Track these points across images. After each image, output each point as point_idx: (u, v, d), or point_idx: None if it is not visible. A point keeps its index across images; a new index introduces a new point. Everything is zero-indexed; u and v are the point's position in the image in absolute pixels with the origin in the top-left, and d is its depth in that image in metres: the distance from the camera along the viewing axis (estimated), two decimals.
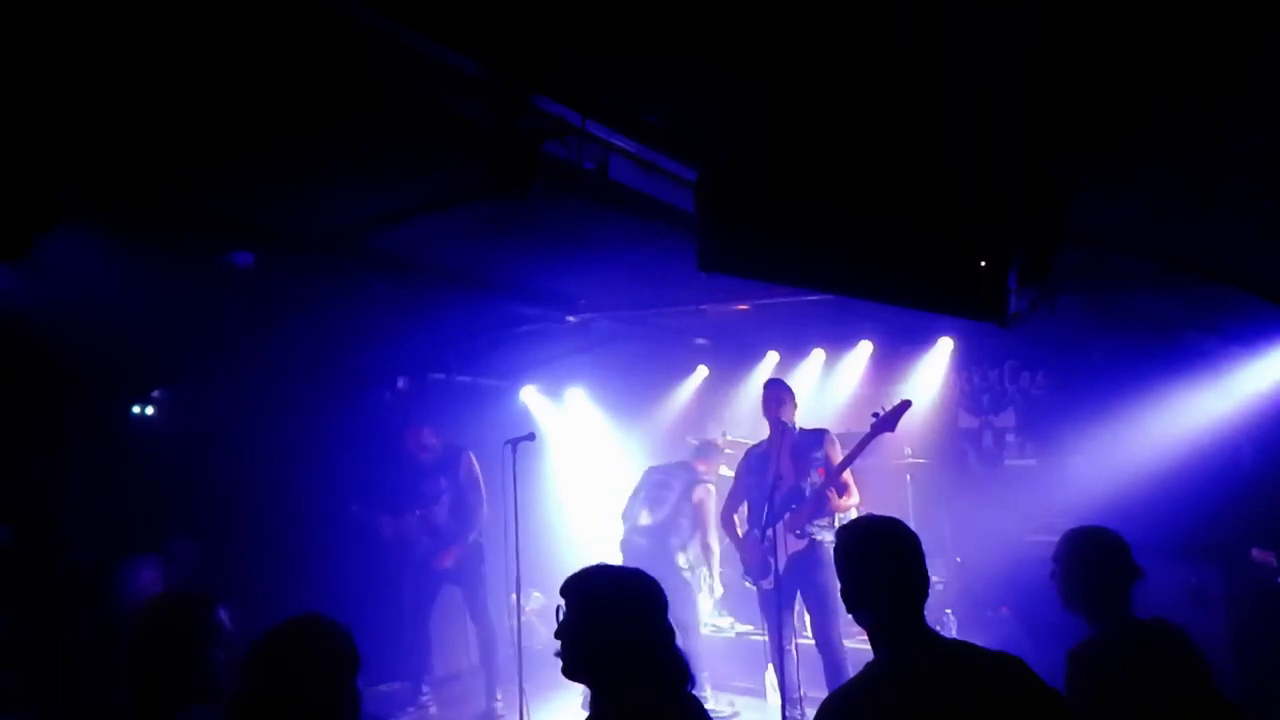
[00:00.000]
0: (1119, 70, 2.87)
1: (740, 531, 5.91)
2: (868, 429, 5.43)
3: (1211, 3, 2.49)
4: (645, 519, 6.51)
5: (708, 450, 6.85)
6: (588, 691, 2.15)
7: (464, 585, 6.63)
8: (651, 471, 6.78)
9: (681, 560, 6.44)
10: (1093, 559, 2.80)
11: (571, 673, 2.11)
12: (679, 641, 5.89)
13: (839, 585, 2.44)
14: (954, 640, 2.37)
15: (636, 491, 6.69)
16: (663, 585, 6.50)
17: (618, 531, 6.71)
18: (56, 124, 2.99)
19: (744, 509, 5.97)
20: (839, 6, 2.66)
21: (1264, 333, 5.62)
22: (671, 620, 6.53)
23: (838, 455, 5.58)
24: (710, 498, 6.46)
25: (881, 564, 2.35)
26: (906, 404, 5.41)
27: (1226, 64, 2.77)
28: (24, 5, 2.48)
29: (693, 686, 2.14)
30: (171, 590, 2.76)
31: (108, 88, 2.94)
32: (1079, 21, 2.65)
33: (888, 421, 5.36)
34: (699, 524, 6.39)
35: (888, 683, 2.23)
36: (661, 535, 6.40)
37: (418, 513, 6.63)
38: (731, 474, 6.37)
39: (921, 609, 2.33)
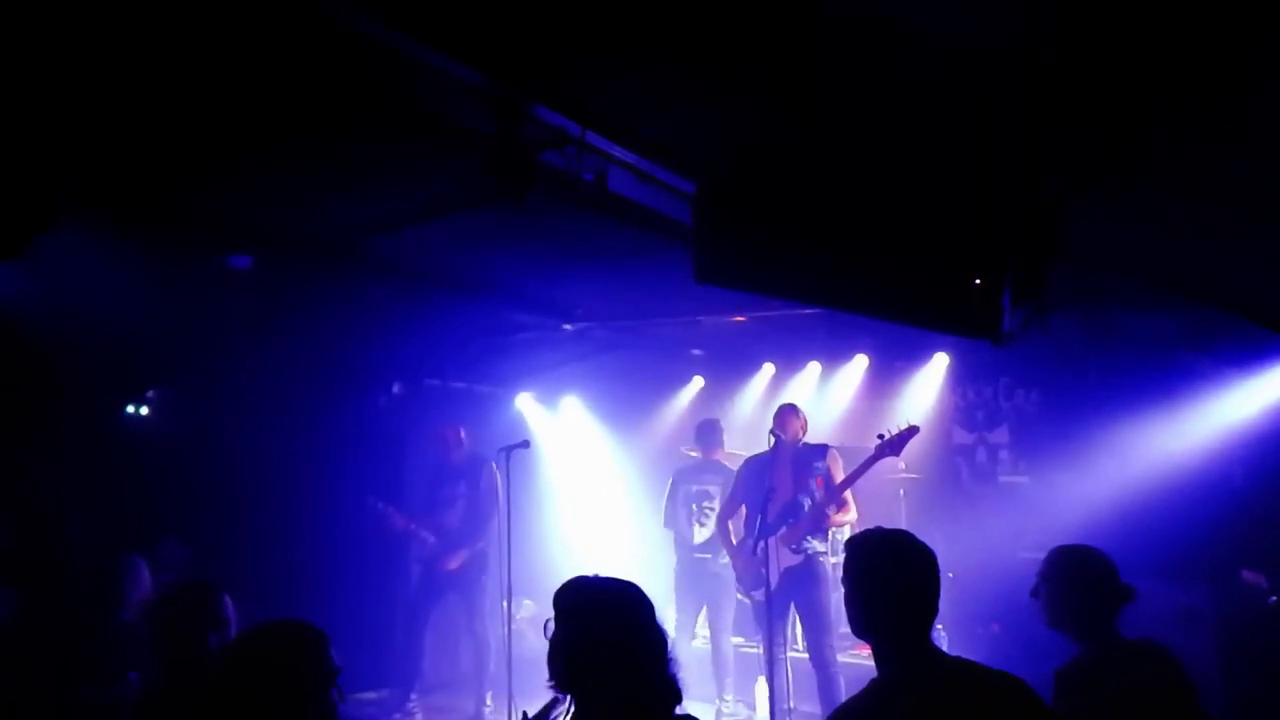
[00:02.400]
0: (1115, 90, 2.89)
1: (735, 540, 5.90)
2: (871, 449, 5.40)
3: (1209, 13, 2.51)
4: (702, 534, 6.46)
5: (713, 433, 6.75)
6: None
7: (463, 591, 6.67)
8: (680, 482, 6.70)
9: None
10: (1080, 578, 2.79)
11: (561, 685, 2.09)
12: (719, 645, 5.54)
13: (835, 600, 2.41)
14: (958, 659, 2.32)
15: (674, 509, 6.63)
16: (721, 587, 6.30)
17: (669, 558, 6.68)
18: (56, 124, 3.00)
19: (742, 513, 5.96)
20: (838, 23, 2.68)
21: (1256, 355, 5.65)
22: (713, 620, 6.40)
23: (839, 470, 5.56)
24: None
25: (894, 580, 2.28)
26: (914, 430, 5.38)
27: (1220, 82, 2.79)
28: (25, 6, 2.49)
29: (679, 703, 2.10)
30: (183, 580, 3.03)
31: (108, 89, 2.95)
32: (1078, 36, 2.67)
33: (894, 446, 5.33)
34: None
35: (894, 700, 2.20)
36: (718, 543, 6.38)
37: (428, 520, 6.68)
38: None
39: (930, 626, 2.27)
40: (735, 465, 6.41)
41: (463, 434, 6.83)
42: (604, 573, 2.23)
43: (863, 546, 2.39)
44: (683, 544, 6.58)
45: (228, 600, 2.66)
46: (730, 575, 6.35)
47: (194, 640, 2.55)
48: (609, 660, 2.02)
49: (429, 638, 6.70)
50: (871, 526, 2.55)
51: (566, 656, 2.05)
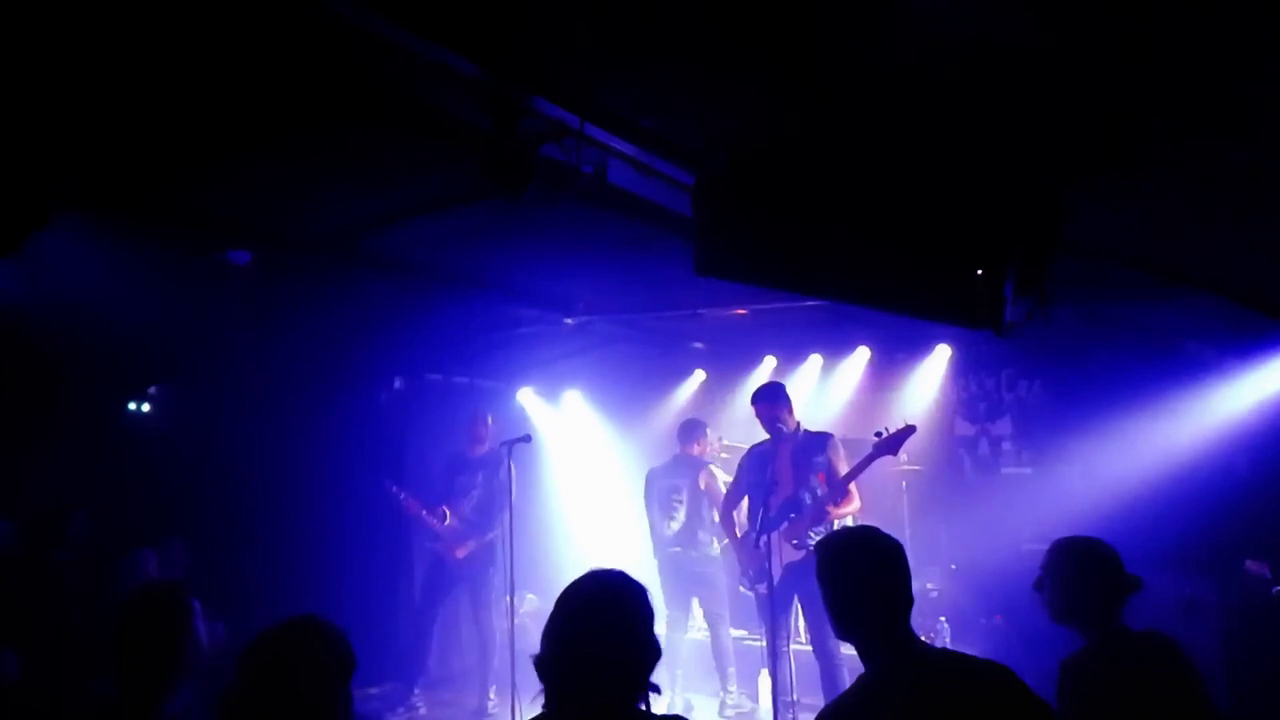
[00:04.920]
0: (1117, 86, 2.87)
1: (739, 532, 5.88)
2: (870, 446, 5.35)
3: (1209, 19, 2.50)
4: (673, 528, 6.50)
5: (692, 431, 6.79)
6: None
7: (471, 583, 6.69)
8: (653, 480, 6.76)
9: (715, 548, 6.45)
10: (1084, 571, 2.77)
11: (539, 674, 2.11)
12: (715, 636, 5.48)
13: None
14: (942, 650, 2.36)
15: (649, 506, 6.69)
16: (704, 579, 6.28)
17: (648, 550, 6.69)
18: (53, 122, 2.99)
19: (744, 506, 5.94)
20: (841, 15, 2.66)
21: (1259, 344, 5.63)
22: (707, 611, 6.38)
23: (840, 462, 5.50)
24: (715, 477, 6.52)
25: (866, 577, 2.31)
26: (911, 429, 5.34)
27: (1220, 80, 2.78)
28: (23, 4, 2.48)
29: (644, 700, 2.09)
30: (149, 582, 2.89)
31: (105, 87, 2.94)
32: (1080, 30, 2.65)
33: (890, 445, 5.30)
34: (716, 504, 6.40)
35: (879, 696, 2.22)
36: (691, 534, 6.45)
37: (444, 507, 6.70)
38: (727, 477, 6.36)
39: (908, 618, 2.30)
40: (712, 459, 6.47)
41: (490, 420, 6.89)
42: (604, 566, 2.22)
43: (831, 550, 2.42)
44: (657, 538, 6.62)
45: (197, 605, 2.52)
46: (713, 570, 6.41)
47: (156, 647, 2.43)
48: (553, 656, 2.04)
49: (436, 632, 6.72)
50: (873, 519, 2.55)
51: (543, 645, 2.08)
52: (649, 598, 2.14)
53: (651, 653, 2.06)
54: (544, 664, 2.04)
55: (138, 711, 2.40)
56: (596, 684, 2.01)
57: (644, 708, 2.06)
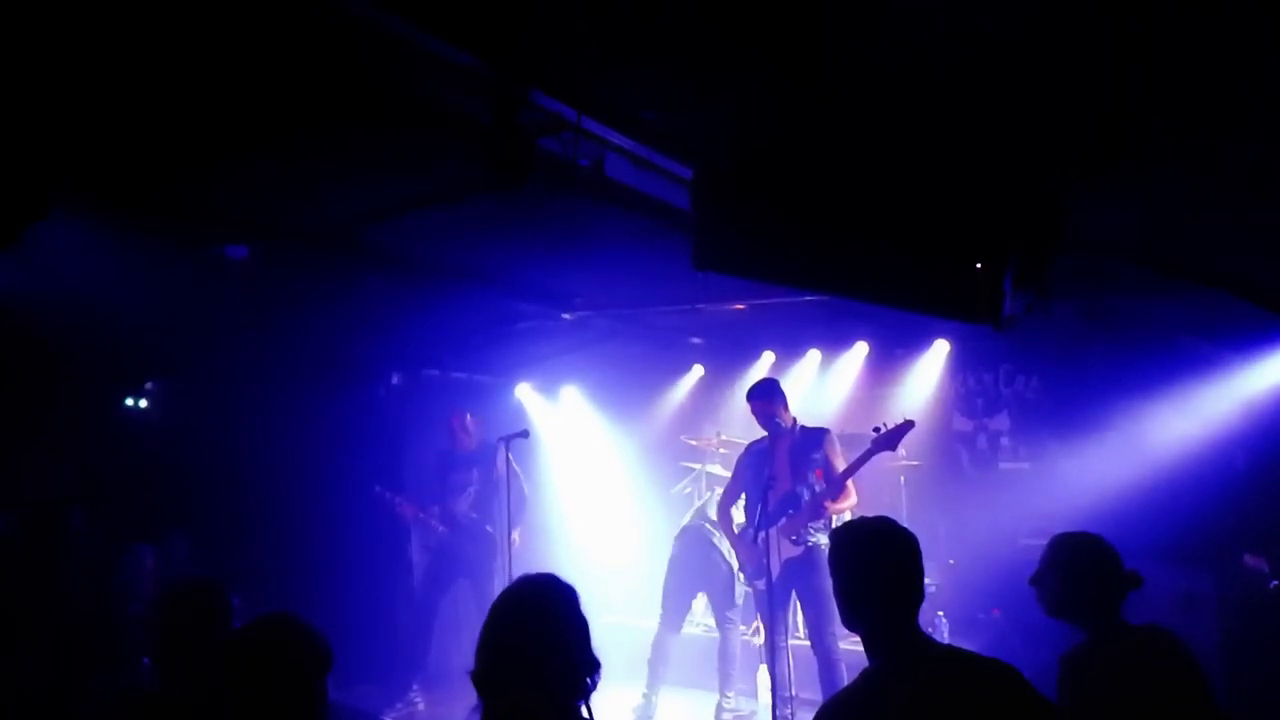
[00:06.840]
0: (1117, 85, 2.87)
1: (736, 528, 5.88)
2: (869, 441, 5.36)
3: (1209, 19, 2.49)
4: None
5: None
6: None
7: (474, 577, 6.67)
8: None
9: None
10: (1085, 565, 2.77)
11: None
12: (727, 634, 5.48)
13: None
14: (948, 646, 2.35)
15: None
16: (716, 573, 6.01)
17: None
18: (52, 116, 2.97)
19: (743, 502, 5.93)
20: (841, 8, 2.66)
21: (1259, 338, 5.63)
22: (717, 613, 6.21)
23: (837, 457, 5.50)
24: None
25: (881, 567, 2.30)
26: (909, 424, 5.35)
27: (1220, 80, 2.77)
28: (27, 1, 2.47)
29: (584, 700, 2.06)
30: (187, 578, 3.01)
31: (103, 82, 2.92)
32: (1078, 39, 2.65)
33: (889, 440, 5.29)
34: None
35: (883, 691, 2.21)
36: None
37: (437, 508, 6.68)
38: (727, 474, 6.36)
39: (916, 614, 2.29)
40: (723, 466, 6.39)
41: (469, 419, 6.86)
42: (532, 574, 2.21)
43: (847, 537, 2.41)
44: (694, 509, 6.57)
45: (234, 600, 2.64)
46: (726, 567, 6.30)
47: (196, 642, 2.51)
48: (485, 662, 2.05)
49: (436, 628, 6.72)
50: (870, 514, 2.55)
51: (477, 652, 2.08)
52: (579, 600, 2.13)
53: (584, 651, 2.06)
54: (478, 672, 2.04)
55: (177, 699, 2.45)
56: (529, 684, 2.01)
57: (585, 712, 2.05)
